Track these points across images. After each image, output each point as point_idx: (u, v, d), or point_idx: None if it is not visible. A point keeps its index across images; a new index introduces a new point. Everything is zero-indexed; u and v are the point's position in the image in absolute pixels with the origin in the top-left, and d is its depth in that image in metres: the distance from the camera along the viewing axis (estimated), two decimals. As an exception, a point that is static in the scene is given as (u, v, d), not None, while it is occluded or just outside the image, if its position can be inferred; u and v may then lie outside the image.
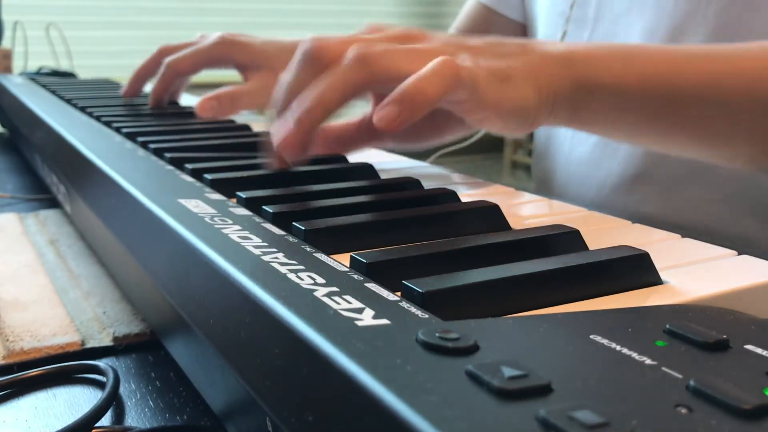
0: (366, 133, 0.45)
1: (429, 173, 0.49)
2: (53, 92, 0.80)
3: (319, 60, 0.38)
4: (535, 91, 0.39)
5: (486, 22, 0.86)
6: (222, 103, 0.65)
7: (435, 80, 0.34)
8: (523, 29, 0.84)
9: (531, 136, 0.82)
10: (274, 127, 0.38)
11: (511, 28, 0.84)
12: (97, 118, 0.62)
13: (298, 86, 0.38)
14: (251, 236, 0.29)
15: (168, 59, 0.68)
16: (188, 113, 0.68)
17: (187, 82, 0.74)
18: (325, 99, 0.36)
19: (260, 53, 0.68)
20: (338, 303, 0.22)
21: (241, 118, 0.69)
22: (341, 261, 0.26)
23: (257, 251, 0.27)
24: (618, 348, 0.19)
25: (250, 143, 0.53)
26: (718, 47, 0.45)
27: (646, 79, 0.42)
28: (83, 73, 1.27)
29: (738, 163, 0.48)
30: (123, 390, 0.31)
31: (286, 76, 0.39)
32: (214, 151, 0.49)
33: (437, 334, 0.19)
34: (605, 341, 0.20)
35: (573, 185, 0.70)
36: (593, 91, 0.41)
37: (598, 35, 0.66)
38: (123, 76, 0.82)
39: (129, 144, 0.50)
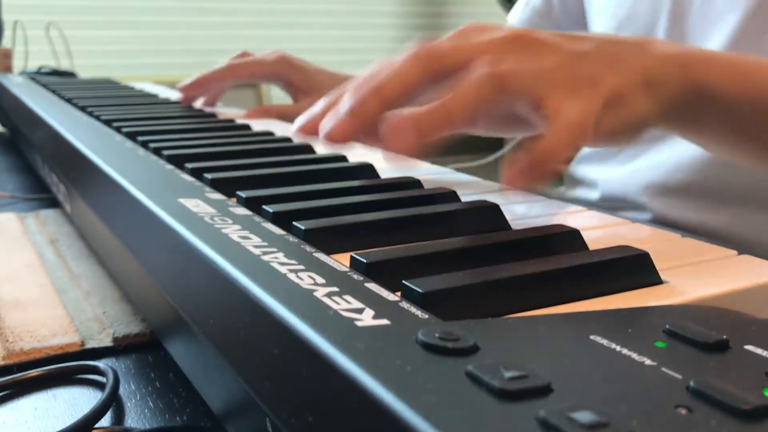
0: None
1: (429, 173, 0.49)
2: (53, 92, 0.80)
3: (434, 62, 0.36)
4: (651, 102, 0.37)
5: None
6: (269, 117, 0.71)
7: (562, 140, 0.33)
8: None
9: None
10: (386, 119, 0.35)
11: None
12: (97, 118, 0.62)
13: (405, 81, 0.36)
14: (251, 236, 0.29)
15: (230, 62, 0.73)
16: (188, 113, 0.68)
17: (225, 90, 0.77)
18: (453, 116, 0.34)
19: (314, 79, 0.75)
20: (338, 303, 0.22)
21: (240, 118, 0.69)
22: (341, 261, 0.26)
23: (257, 251, 0.27)
24: (618, 348, 0.19)
25: (251, 143, 0.53)
26: None
27: (754, 94, 0.40)
28: (83, 73, 1.27)
29: None
30: (123, 390, 0.31)
31: (387, 67, 0.37)
32: (214, 150, 0.49)
33: (437, 335, 0.19)
34: (605, 341, 0.20)
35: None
36: (705, 98, 0.39)
37: None
38: (123, 75, 0.83)
39: (129, 143, 0.50)
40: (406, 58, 0.36)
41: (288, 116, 0.73)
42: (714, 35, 0.61)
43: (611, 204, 0.71)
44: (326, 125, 0.37)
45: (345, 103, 0.36)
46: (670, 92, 0.38)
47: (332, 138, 0.36)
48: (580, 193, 0.76)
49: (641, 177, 0.66)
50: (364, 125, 0.36)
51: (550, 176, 0.33)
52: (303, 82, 0.75)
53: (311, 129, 0.39)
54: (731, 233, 0.62)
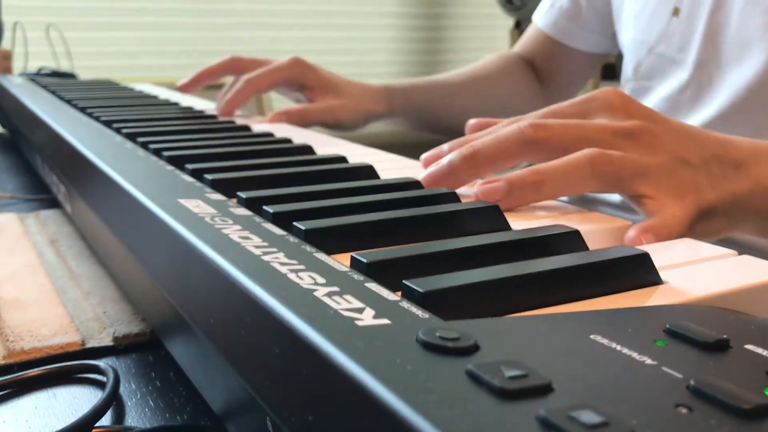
0: None
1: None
2: (53, 93, 0.81)
3: (538, 146, 0.37)
4: (727, 220, 0.39)
5: (552, 51, 0.89)
6: (291, 118, 0.73)
7: (664, 232, 0.34)
8: (593, 57, 0.86)
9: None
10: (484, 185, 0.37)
11: (578, 57, 0.87)
12: (97, 119, 0.62)
13: (504, 154, 0.38)
14: (251, 236, 0.29)
15: (247, 76, 0.75)
16: (188, 114, 0.68)
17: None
18: (542, 186, 0.36)
19: (328, 80, 0.78)
20: (338, 303, 0.22)
21: (242, 119, 0.69)
22: (341, 261, 0.26)
23: (257, 251, 0.27)
24: (618, 348, 0.19)
25: (251, 143, 0.53)
26: None
27: None
28: (83, 74, 1.27)
29: None
30: (123, 390, 0.31)
31: (494, 134, 0.39)
32: (214, 151, 0.49)
33: (437, 334, 0.19)
34: (605, 341, 0.20)
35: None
36: None
37: (702, 80, 0.66)
38: (123, 76, 0.83)
39: (129, 144, 0.50)
40: (511, 131, 0.38)
41: (309, 116, 0.75)
42: (748, 60, 0.62)
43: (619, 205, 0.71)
44: (426, 171, 0.40)
45: (445, 158, 0.39)
46: (749, 217, 0.40)
47: (427, 184, 0.40)
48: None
49: None
50: (457, 183, 0.39)
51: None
52: (318, 83, 0.77)
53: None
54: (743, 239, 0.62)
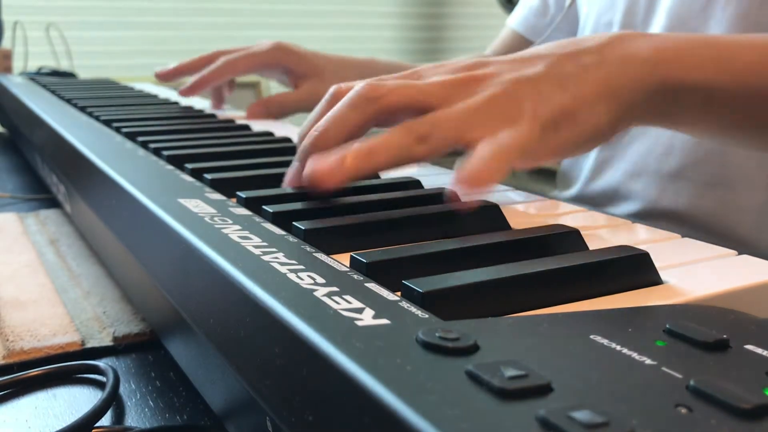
0: None
1: (429, 173, 0.49)
2: (53, 92, 0.80)
3: (372, 105, 0.37)
4: (611, 111, 0.37)
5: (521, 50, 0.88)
6: (270, 108, 0.71)
7: (485, 166, 0.33)
8: None
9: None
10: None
11: None
12: (97, 118, 0.62)
13: (345, 125, 0.37)
14: (251, 236, 0.29)
15: (225, 57, 0.73)
16: (188, 114, 0.68)
17: (233, 86, 0.78)
18: (375, 159, 0.34)
19: (311, 63, 0.74)
20: (338, 303, 0.22)
21: (241, 118, 0.69)
22: (341, 261, 0.26)
23: (257, 251, 0.27)
24: (618, 348, 0.19)
25: (250, 143, 0.53)
26: None
27: (737, 76, 0.40)
28: (83, 73, 1.27)
29: None
30: (123, 390, 0.31)
31: (332, 112, 0.38)
32: (214, 150, 0.49)
33: (437, 334, 0.19)
34: (605, 341, 0.20)
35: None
36: (681, 91, 0.39)
37: None
38: (123, 75, 0.83)
39: (129, 144, 0.50)
40: (349, 99, 0.37)
41: (289, 104, 0.72)
42: (713, 24, 0.62)
43: (593, 201, 0.71)
44: (286, 179, 0.38)
45: (297, 155, 0.38)
46: (637, 96, 0.37)
47: (289, 185, 0.38)
48: (571, 192, 0.76)
49: (632, 165, 0.67)
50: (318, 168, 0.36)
51: (482, 192, 0.33)
52: (300, 67, 0.74)
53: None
54: (717, 218, 0.63)
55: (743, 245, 0.52)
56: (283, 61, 0.74)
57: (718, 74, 0.39)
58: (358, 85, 0.37)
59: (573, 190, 0.75)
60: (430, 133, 0.34)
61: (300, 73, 0.74)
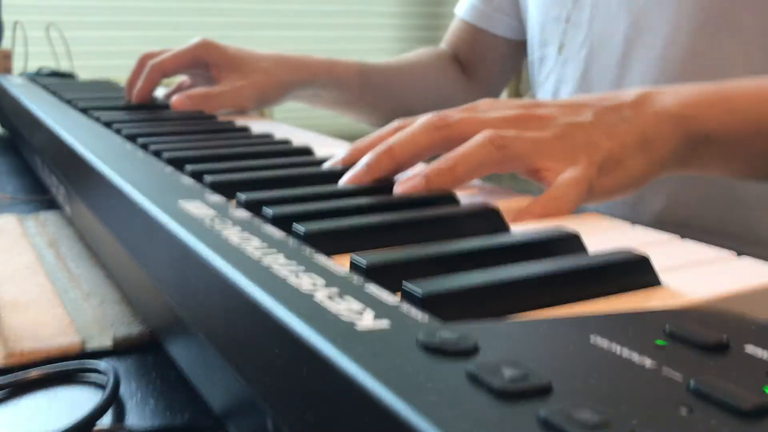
0: None
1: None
2: (53, 93, 0.80)
3: (444, 130, 0.40)
4: (647, 162, 0.41)
5: (473, 39, 0.89)
6: (194, 102, 0.71)
7: (563, 196, 0.37)
8: (513, 45, 0.86)
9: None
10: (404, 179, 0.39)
11: (498, 44, 0.87)
12: (97, 120, 0.62)
13: (416, 145, 0.40)
14: (251, 238, 0.29)
15: (152, 61, 0.74)
16: (188, 116, 0.68)
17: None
18: (456, 172, 0.38)
19: (234, 57, 0.75)
20: (338, 305, 0.22)
21: (242, 118, 0.69)
22: (341, 263, 0.26)
23: (257, 253, 0.27)
24: (618, 349, 0.19)
25: (250, 145, 0.53)
26: None
27: (752, 123, 0.44)
28: (83, 74, 1.27)
29: None
30: (123, 390, 0.31)
31: (402, 131, 0.41)
32: (213, 152, 0.49)
33: (437, 336, 0.19)
34: (605, 343, 0.20)
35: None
36: (704, 144, 0.43)
37: (594, 35, 0.68)
38: (123, 76, 0.83)
39: (129, 145, 0.50)
40: (419, 124, 0.40)
41: (213, 101, 0.72)
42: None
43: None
44: (345, 177, 0.41)
45: (363, 159, 0.40)
46: (667, 148, 0.41)
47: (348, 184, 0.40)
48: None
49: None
50: (377, 180, 0.40)
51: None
52: (224, 62, 0.75)
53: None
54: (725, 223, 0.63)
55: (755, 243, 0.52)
56: (208, 55, 0.75)
57: (734, 124, 0.43)
58: (428, 114, 0.41)
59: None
60: (507, 145, 0.38)
61: (223, 67, 0.75)
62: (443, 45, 0.94)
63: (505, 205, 0.36)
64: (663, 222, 0.65)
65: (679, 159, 0.43)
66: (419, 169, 0.39)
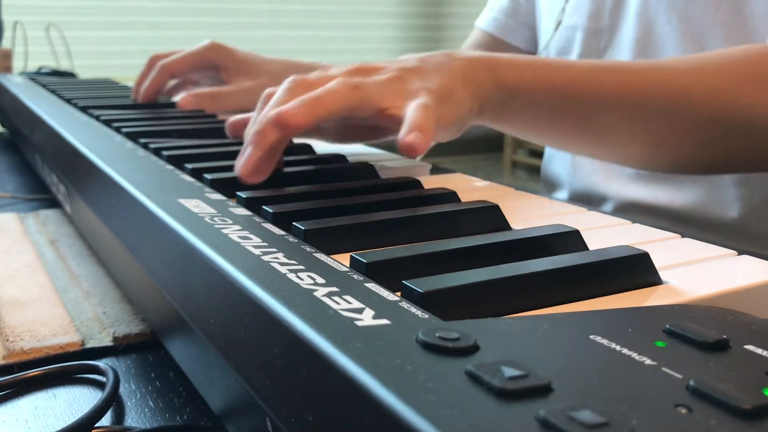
0: None
1: (429, 173, 0.49)
2: (53, 92, 0.80)
3: (303, 89, 0.42)
4: (470, 97, 0.44)
5: (493, 50, 0.89)
6: (201, 101, 0.72)
7: (419, 120, 0.39)
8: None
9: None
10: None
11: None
12: (97, 118, 0.62)
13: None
14: (251, 236, 0.29)
15: (161, 62, 0.75)
16: (188, 114, 0.68)
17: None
18: (316, 109, 0.39)
19: (245, 60, 0.76)
20: (338, 303, 0.22)
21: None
22: (341, 261, 0.26)
23: (257, 251, 0.27)
24: (618, 348, 0.19)
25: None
26: (648, 62, 0.51)
27: (556, 87, 0.48)
28: (83, 73, 1.27)
29: (631, 164, 0.54)
30: (123, 390, 0.31)
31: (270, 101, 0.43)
32: (214, 150, 0.49)
33: (437, 334, 0.19)
34: (605, 341, 0.20)
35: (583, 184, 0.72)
36: (511, 95, 0.47)
37: (615, 43, 0.68)
38: (123, 75, 0.83)
39: (129, 144, 0.50)
40: (284, 89, 0.42)
41: (221, 99, 0.73)
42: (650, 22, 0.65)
43: (580, 200, 0.72)
44: (238, 164, 0.39)
45: (246, 140, 0.40)
46: (483, 89, 0.45)
47: (244, 172, 0.39)
48: (554, 195, 0.77)
49: (612, 165, 0.69)
50: (268, 152, 0.39)
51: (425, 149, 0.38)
52: (233, 65, 0.76)
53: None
54: (695, 211, 0.64)
55: (729, 232, 0.54)
56: (218, 57, 0.76)
57: (538, 85, 0.48)
58: (288, 79, 0.43)
59: (563, 193, 0.76)
60: (359, 86, 0.41)
61: (232, 69, 0.75)
62: None
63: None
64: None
65: (494, 105, 0.46)
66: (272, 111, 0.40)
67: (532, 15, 0.84)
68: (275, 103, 0.41)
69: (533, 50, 0.86)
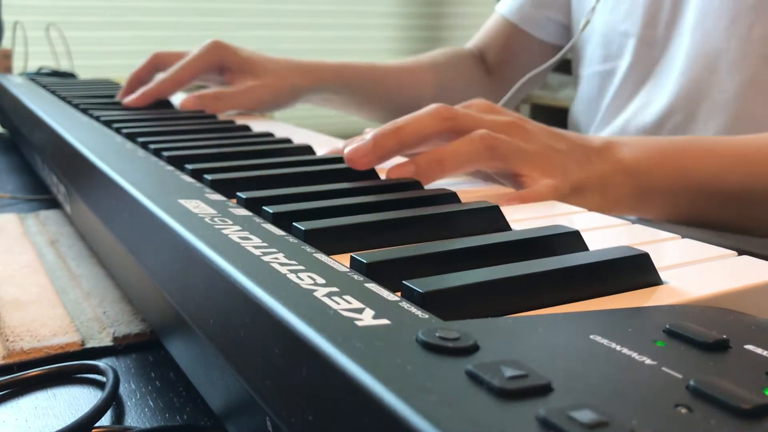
0: None
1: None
2: (53, 92, 0.80)
3: (448, 120, 0.43)
4: (601, 202, 0.46)
5: (509, 38, 0.88)
6: (205, 102, 0.71)
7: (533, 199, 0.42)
8: (548, 49, 0.85)
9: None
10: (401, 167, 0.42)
11: (535, 47, 0.86)
12: (97, 119, 0.62)
13: (421, 128, 0.43)
14: (251, 236, 0.29)
15: (166, 75, 0.73)
16: (188, 114, 0.68)
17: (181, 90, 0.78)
18: (444, 163, 0.42)
19: (248, 60, 0.75)
20: (338, 303, 0.22)
21: (242, 118, 0.69)
22: (341, 261, 0.26)
23: (257, 251, 0.27)
24: (618, 348, 0.19)
25: (251, 144, 0.53)
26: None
27: (694, 184, 0.50)
28: (83, 74, 1.27)
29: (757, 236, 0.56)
30: (123, 390, 0.31)
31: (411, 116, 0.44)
32: (214, 151, 0.49)
33: (437, 334, 0.19)
34: (605, 341, 0.20)
35: None
36: (652, 195, 0.49)
37: (670, 54, 0.69)
38: (123, 76, 0.83)
39: (129, 144, 0.50)
40: (427, 110, 0.43)
41: (224, 100, 0.72)
42: (708, 26, 0.64)
43: None
44: (349, 146, 0.43)
45: (370, 134, 0.43)
46: (620, 194, 0.48)
47: (351, 158, 0.42)
48: None
49: None
50: (381, 156, 0.42)
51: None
52: (236, 65, 0.74)
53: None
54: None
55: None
56: (221, 57, 0.74)
57: (679, 184, 0.50)
58: (435, 104, 0.44)
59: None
60: (497, 146, 0.42)
61: (236, 70, 0.74)
62: (472, 42, 0.93)
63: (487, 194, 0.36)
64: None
65: (629, 204, 0.49)
66: (412, 156, 0.43)
67: (559, 8, 0.83)
68: (414, 126, 0.42)
69: (555, 42, 0.86)
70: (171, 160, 0.45)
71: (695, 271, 0.29)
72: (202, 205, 0.34)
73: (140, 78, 0.77)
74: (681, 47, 0.68)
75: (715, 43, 0.65)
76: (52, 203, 0.61)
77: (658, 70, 0.71)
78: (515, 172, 0.43)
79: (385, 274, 0.25)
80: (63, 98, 0.75)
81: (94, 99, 0.75)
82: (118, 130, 0.56)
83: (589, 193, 0.46)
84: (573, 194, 0.44)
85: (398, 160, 0.44)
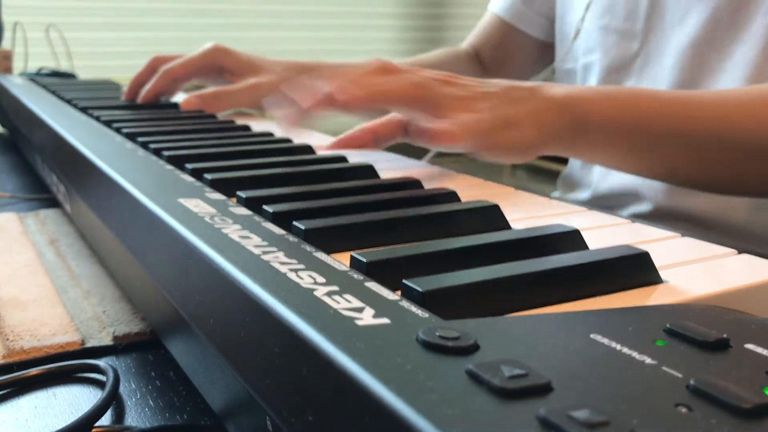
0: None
1: (429, 173, 0.49)
2: (53, 93, 0.80)
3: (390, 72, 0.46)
4: (536, 134, 0.48)
5: (503, 36, 0.88)
6: (205, 101, 0.71)
7: (453, 127, 0.45)
8: (543, 47, 0.86)
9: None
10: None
11: (529, 44, 0.87)
12: (97, 119, 0.62)
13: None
14: (251, 235, 0.29)
15: (164, 67, 0.74)
16: (188, 114, 0.68)
17: (181, 88, 0.78)
18: (372, 88, 0.44)
19: (248, 62, 0.76)
20: (338, 302, 0.22)
21: (242, 118, 0.69)
22: (341, 260, 0.26)
23: (257, 250, 0.27)
24: (618, 347, 0.19)
25: (250, 143, 0.53)
26: (715, 94, 0.52)
27: (629, 121, 0.50)
28: (83, 74, 1.27)
29: (688, 186, 0.56)
30: (123, 389, 0.31)
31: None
32: (214, 150, 0.49)
33: (437, 334, 0.19)
34: (605, 340, 0.20)
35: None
36: (585, 127, 0.49)
37: (650, 47, 0.68)
38: (123, 76, 0.83)
39: (129, 144, 0.50)
40: (369, 64, 0.46)
41: (225, 98, 0.72)
42: (689, 20, 0.64)
43: (605, 202, 0.72)
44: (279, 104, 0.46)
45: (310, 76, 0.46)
46: (553, 128, 0.49)
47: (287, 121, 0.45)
48: (573, 195, 0.77)
49: None
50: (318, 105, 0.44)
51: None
52: (237, 66, 0.75)
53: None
54: (706, 215, 0.64)
55: (737, 235, 0.55)
56: (221, 60, 0.75)
57: (615, 119, 0.50)
58: (377, 60, 0.47)
59: (586, 193, 0.75)
60: (427, 86, 0.45)
61: (237, 71, 0.75)
62: (467, 41, 0.94)
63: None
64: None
65: (565, 139, 0.49)
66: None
67: (549, 4, 0.84)
68: (352, 74, 0.45)
69: (548, 40, 0.86)
70: (171, 160, 0.45)
71: (695, 270, 0.29)
72: (202, 204, 0.34)
73: (141, 81, 0.77)
74: (667, 41, 0.68)
75: (718, 44, 0.65)
76: (52, 202, 0.61)
77: (641, 64, 0.71)
78: (440, 116, 0.45)
79: (385, 273, 0.25)
80: (63, 98, 0.75)
81: (94, 99, 0.75)
82: (118, 130, 0.56)
83: (525, 126, 0.47)
84: (505, 128, 0.46)
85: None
